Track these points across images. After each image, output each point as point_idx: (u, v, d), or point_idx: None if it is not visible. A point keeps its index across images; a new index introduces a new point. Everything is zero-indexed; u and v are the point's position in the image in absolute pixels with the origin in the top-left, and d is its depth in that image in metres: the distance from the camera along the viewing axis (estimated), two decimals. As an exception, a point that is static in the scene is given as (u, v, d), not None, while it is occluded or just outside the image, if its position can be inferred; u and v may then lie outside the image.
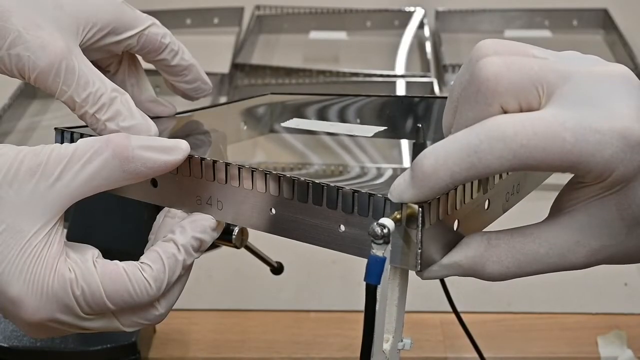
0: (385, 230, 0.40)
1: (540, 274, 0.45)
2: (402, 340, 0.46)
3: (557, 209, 0.45)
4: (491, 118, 0.41)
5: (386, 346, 0.45)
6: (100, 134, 0.51)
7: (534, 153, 0.40)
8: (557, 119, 0.40)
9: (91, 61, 0.52)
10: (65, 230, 0.60)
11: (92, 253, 0.48)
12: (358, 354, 0.43)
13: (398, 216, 0.42)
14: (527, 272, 0.45)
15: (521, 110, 0.42)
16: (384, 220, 0.41)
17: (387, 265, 0.41)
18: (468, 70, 0.43)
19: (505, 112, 0.42)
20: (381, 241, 0.40)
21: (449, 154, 0.41)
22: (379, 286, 0.41)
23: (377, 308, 0.41)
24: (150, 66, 0.58)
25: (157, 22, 0.56)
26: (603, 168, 0.40)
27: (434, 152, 0.41)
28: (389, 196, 0.43)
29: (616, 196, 0.42)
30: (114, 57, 0.57)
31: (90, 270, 0.46)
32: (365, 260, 0.42)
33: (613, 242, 0.44)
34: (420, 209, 0.42)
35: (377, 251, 0.40)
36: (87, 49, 0.53)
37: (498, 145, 0.40)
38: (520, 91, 0.42)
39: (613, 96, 0.41)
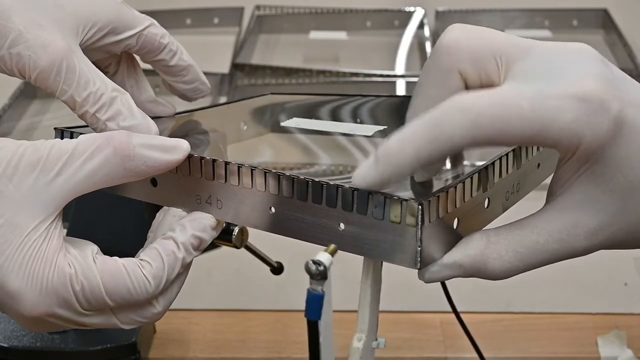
0: (321, 268, 0.41)
1: (545, 266, 0.44)
2: (376, 339, 0.46)
3: (551, 195, 0.45)
4: (452, 96, 0.41)
5: (359, 345, 0.45)
6: (100, 134, 0.51)
7: (492, 122, 0.40)
8: (514, 90, 0.41)
9: (91, 62, 0.52)
10: (65, 230, 0.59)
11: (91, 249, 0.48)
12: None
13: (333, 247, 0.43)
14: (530, 265, 0.44)
15: (481, 83, 0.43)
16: (320, 257, 0.41)
17: (328, 299, 0.41)
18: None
19: (465, 83, 0.43)
20: (318, 277, 0.41)
21: (413, 130, 0.41)
22: (319, 320, 0.41)
23: (320, 340, 0.41)
24: (149, 67, 0.58)
25: (156, 22, 0.56)
26: (570, 135, 0.40)
27: (398, 133, 0.42)
28: (352, 181, 0.43)
29: (598, 167, 0.42)
30: (112, 58, 0.57)
31: (90, 266, 0.46)
32: (361, 259, 0.42)
33: (611, 219, 0.43)
34: (419, 207, 0.42)
35: (316, 287, 0.41)
36: (87, 49, 0.53)
37: (457, 116, 0.40)
38: (478, 59, 0.43)
39: (571, 67, 0.41)
